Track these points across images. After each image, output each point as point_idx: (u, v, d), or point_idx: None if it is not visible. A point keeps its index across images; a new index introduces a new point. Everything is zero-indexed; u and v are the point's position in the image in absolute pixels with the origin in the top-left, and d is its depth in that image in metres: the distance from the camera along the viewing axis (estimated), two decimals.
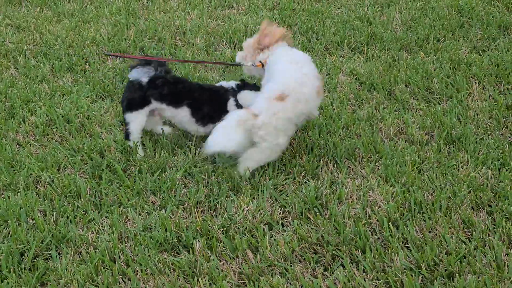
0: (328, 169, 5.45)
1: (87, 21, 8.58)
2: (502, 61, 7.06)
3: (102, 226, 4.88)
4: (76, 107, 6.41)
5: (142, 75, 5.55)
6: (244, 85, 5.76)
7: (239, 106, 5.63)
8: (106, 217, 4.98)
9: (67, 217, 4.97)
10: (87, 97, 6.65)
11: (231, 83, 5.80)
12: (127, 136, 5.63)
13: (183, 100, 5.60)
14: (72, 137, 5.96)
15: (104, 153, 5.68)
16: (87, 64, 7.40)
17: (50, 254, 4.65)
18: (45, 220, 4.92)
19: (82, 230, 4.85)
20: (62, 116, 6.23)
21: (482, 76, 6.79)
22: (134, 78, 5.56)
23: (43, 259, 4.61)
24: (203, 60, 5.89)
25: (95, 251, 4.61)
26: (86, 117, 6.25)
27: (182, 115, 5.64)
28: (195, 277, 4.38)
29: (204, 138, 5.40)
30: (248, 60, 5.72)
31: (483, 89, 6.64)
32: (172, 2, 9.18)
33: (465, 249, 4.45)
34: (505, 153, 5.51)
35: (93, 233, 4.82)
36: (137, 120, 5.60)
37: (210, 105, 5.66)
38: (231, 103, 5.68)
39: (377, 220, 4.80)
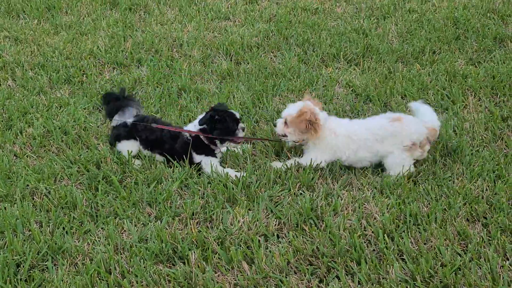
0: (324, 181, 5.46)
1: (85, 33, 8.62)
2: (498, 73, 7.09)
3: (98, 237, 4.88)
4: (73, 119, 6.43)
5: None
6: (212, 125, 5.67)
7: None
8: (102, 228, 4.99)
9: (63, 228, 4.98)
10: (84, 108, 6.67)
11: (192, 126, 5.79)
12: None
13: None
14: (69, 148, 5.98)
15: (100, 165, 5.70)
16: (84, 76, 7.43)
17: (46, 265, 4.65)
18: (41, 231, 4.93)
19: (78, 241, 4.85)
20: (59, 128, 6.25)
21: (478, 88, 6.82)
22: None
23: (39, 270, 4.62)
24: (257, 137, 5.92)
25: (91, 262, 4.61)
26: (83, 128, 6.27)
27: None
28: None
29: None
30: (294, 137, 5.67)
31: (479, 101, 6.67)
32: (169, 14, 9.22)
33: (460, 261, 4.46)
34: (500, 165, 5.52)
35: (89, 244, 4.82)
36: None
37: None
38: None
39: (372, 232, 4.80)
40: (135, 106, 5.93)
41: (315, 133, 5.52)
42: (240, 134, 5.69)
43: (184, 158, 5.62)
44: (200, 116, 5.68)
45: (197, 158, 5.65)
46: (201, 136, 5.62)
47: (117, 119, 5.84)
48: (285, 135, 5.71)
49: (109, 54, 7.86)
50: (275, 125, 5.77)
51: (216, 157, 5.71)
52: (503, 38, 8.07)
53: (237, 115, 5.66)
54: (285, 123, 5.66)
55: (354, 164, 5.62)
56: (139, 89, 7.09)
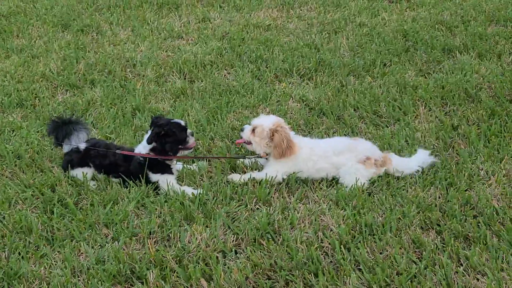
0: (280, 195, 5.50)
1: (36, 56, 8.56)
2: (447, 83, 7.23)
3: (54, 261, 4.83)
4: (26, 142, 6.37)
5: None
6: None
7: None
8: (58, 251, 4.94)
9: (19, 253, 4.92)
10: (37, 132, 6.62)
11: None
12: None
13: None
14: (23, 172, 5.92)
15: (55, 187, 5.65)
16: (37, 99, 7.37)
17: None
18: None
19: (35, 266, 4.80)
20: (12, 152, 6.18)
21: (428, 98, 6.95)
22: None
23: None
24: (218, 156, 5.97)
25: (48, 286, 4.57)
26: (37, 152, 6.21)
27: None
28: None
29: None
30: (258, 147, 5.74)
31: (430, 111, 6.79)
32: (121, 35, 9.22)
33: (416, 268, 4.53)
34: (452, 173, 5.63)
35: (46, 268, 4.77)
36: None
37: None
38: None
39: (329, 244, 4.85)
40: (85, 130, 5.88)
41: (290, 152, 5.61)
42: (191, 140, 5.67)
43: (141, 178, 5.61)
44: (146, 135, 5.64)
45: (154, 177, 5.63)
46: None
47: (68, 145, 5.81)
48: (249, 142, 5.76)
49: (61, 76, 7.82)
50: (242, 130, 5.82)
51: (173, 173, 5.70)
52: (452, 49, 8.24)
53: (182, 123, 5.65)
54: (253, 130, 5.72)
55: (312, 176, 5.69)
56: (93, 110, 7.06)
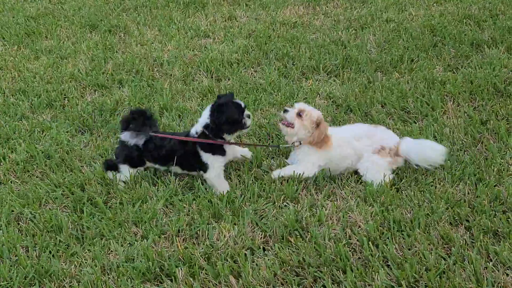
0: (308, 192, 5.50)
1: (65, 57, 8.65)
2: (476, 78, 7.17)
3: (84, 259, 4.89)
4: (56, 143, 6.44)
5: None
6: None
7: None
8: (88, 250, 5.00)
9: (50, 252, 4.98)
10: (67, 132, 6.69)
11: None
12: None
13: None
14: (53, 172, 5.99)
15: (85, 187, 5.71)
16: (66, 99, 7.45)
17: None
18: (27, 256, 4.93)
19: (65, 264, 4.86)
20: (42, 152, 6.26)
21: (456, 94, 6.90)
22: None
23: None
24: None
25: (78, 284, 4.62)
26: (66, 152, 6.28)
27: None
28: None
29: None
30: (301, 131, 5.76)
31: (458, 106, 6.74)
32: (148, 35, 9.27)
33: (445, 264, 4.50)
34: (481, 168, 5.59)
35: (76, 266, 4.83)
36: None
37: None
38: None
39: (357, 240, 4.84)
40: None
41: (325, 147, 5.68)
42: (248, 122, 5.63)
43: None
44: (201, 119, 5.62)
45: (205, 156, 5.57)
46: (207, 133, 5.57)
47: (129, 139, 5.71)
48: (291, 125, 5.77)
49: (90, 77, 7.90)
50: (285, 111, 5.81)
51: (225, 154, 5.64)
52: (480, 43, 8.17)
53: (242, 104, 5.60)
54: (298, 114, 5.74)
55: (338, 165, 5.74)
56: (121, 110, 7.12)
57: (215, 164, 5.58)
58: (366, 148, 5.68)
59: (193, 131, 5.64)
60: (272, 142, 6.26)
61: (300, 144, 5.76)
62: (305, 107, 5.80)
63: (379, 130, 5.83)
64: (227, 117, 5.46)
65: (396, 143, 5.70)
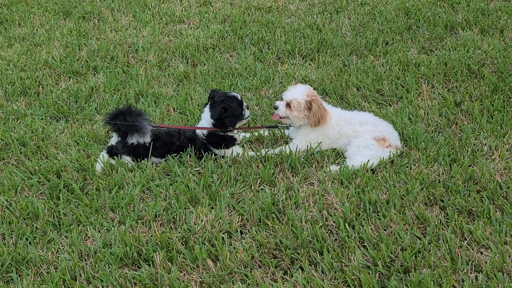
0: (284, 176, 5.52)
1: (39, 44, 8.58)
2: (450, 60, 7.22)
3: (61, 246, 4.89)
4: (31, 130, 6.40)
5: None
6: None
7: None
8: (65, 236, 4.99)
9: (26, 239, 4.97)
10: (42, 119, 6.65)
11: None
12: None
13: None
14: (28, 159, 5.97)
15: (61, 174, 5.69)
16: (40, 86, 7.40)
17: (10, 276, 4.65)
18: (4, 244, 4.91)
19: (42, 251, 4.85)
20: (17, 140, 6.22)
21: (431, 76, 6.95)
22: None
23: (4, 282, 4.62)
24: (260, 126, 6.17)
25: (56, 271, 4.62)
26: (41, 139, 6.25)
27: None
28: None
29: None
30: (297, 120, 5.86)
31: (432, 88, 6.79)
32: (123, 21, 9.21)
33: (420, 244, 4.55)
34: (455, 149, 5.65)
35: (53, 253, 4.82)
36: None
37: None
38: None
39: (333, 222, 4.88)
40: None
41: (325, 120, 5.78)
42: (247, 113, 5.87)
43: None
44: (204, 114, 5.83)
45: (220, 153, 5.87)
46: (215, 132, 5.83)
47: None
48: (286, 117, 5.87)
49: (64, 64, 7.84)
50: (275, 108, 5.91)
51: (238, 144, 5.96)
52: (454, 25, 8.22)
53: (239, 97, 5.81)
54: (288, 105, 5.82)
55: (333, 143, 5.89)
56: (96, 96, 7.09)
57: (228, 153, 5.83)
58: (367, 132, 5.73)
59: (199, 133, 5.86)
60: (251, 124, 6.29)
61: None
62: (292, 96, 5.83)
63: (385, 124, 5.91)
64: (229, 111, 5.70)
65: (397, 144, 5.74)
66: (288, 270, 4.51)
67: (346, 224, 4.82)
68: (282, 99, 5.94)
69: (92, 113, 6.72)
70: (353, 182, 5.31)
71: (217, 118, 5.71)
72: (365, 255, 4.54)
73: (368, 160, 5.48)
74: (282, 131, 6.16)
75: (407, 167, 5.49)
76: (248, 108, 5.89)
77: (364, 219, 4.88)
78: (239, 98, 5.79)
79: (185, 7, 9.56)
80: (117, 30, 8.92)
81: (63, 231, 5.04)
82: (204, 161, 5.74)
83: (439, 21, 8.30)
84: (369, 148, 5.61)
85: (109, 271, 4.58)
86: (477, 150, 5.62)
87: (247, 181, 5.46)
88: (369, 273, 4.36)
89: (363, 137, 5.70)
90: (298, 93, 5.83)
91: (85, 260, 4.73)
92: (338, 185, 5.31)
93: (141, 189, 5.44)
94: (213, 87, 6.97)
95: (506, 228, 4.64)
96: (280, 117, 5.90)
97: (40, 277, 4.62)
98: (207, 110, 5.81)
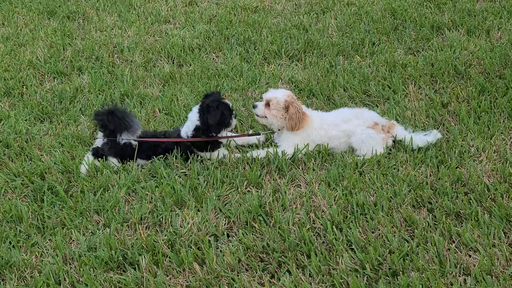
0: (271, 178, 5.48)
1: (23, 44, 8.50)
2: (436, 61, 7.21)
3: (46, 249, 4.82)
4: (14, 131, 6.32)
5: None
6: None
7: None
8: (49, 239, 4.93)
9: (10, 243, 4.90)
10: (26, 120, 6.57)
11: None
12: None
13: None
14: (12, 161, 5.88)
15: (45, 176, 5.62)
16: (24, 87, 7.32)
17: None
18: None
19: (26, 255, 4.78)
20: (1, 141, 6.14)
21: (417, 76, 6.93)
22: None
23: None
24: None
25: (40, 275, 4.55)
26: (25, 140, 6.17)
27: None
28: None
29: None
30: (275, 121, 5.86)
31: (419, 89, 6.77)
32: (108, 21, 9.14)
33: (408, 247, 4.53)
34: (442, 151, 5.63)
35: (37, 256, 4.76)
36: None
37: None
38: None
39: (321, 224, 4.84)
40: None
41: (302, 124, 5.76)
42: (233, 122, 5.83)
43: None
44: (191, 114, 5.77)
45: (206, 156, 5.81)
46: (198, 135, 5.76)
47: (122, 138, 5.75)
48: (264, 117, 5.88)
49: (48, 64, 7.76)
50: (254, 107, 5.93)
51: (223, 146, 5.90)
52: (440, 26, 8.21)
53: (230, 104, 5.78)
54: (267, 105, 5.82)
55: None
56: (81, 97, 7.02)
57: (214, 155, 5.79)
58: (358, 126, 5.76)
59: (183, 134, 5.79)
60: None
61: (279, 130, 5.92)
62: (272, 95, 5.86)
63: (364, 111, 5.98)
64: (218, 120, 5.64)
65: (386, 122, 5.83)
66: (276, 274, 4.47)
67: (334, 226, 4.78)
68: (262, 99, 5.94)
69: (77, 114, 6.64)
70: (340, 184, 5.27)
71: (204, 123, 5.65)
72: (353, 258, 4.50)
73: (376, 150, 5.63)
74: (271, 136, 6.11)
75: (394, 168, 5.47)
76: (235, 117, 5.86)
77: (351, 222, 4.84)
78: (230, 106, 5.76)
79: (170, 7, 9.51)
80: (102, 30, 8.85)
81: (47, 234, 4.97)
82: (190, 163, 5.69)
83: (425, 22, 8.29)
84: (372, 137, 5.68)
85: (94, 275, 4.52)
86: (465, 152, 5.60)
87: (233, 183, 5.41)
88: (357, 276, 4.32)
89: (359, 132, 5.73)
90: (278, 93, 5.88)
91: (70, 264, 4.66)
92: (326, 187, 5.28)
93: (127, 191, 5.38)
94: (199, 88, 6.92)
95: (494, 231, 4.62)
96: (257, 116, 5.91)
97: (24, 281, 4.55)
98: (195, 110, 5.75)
